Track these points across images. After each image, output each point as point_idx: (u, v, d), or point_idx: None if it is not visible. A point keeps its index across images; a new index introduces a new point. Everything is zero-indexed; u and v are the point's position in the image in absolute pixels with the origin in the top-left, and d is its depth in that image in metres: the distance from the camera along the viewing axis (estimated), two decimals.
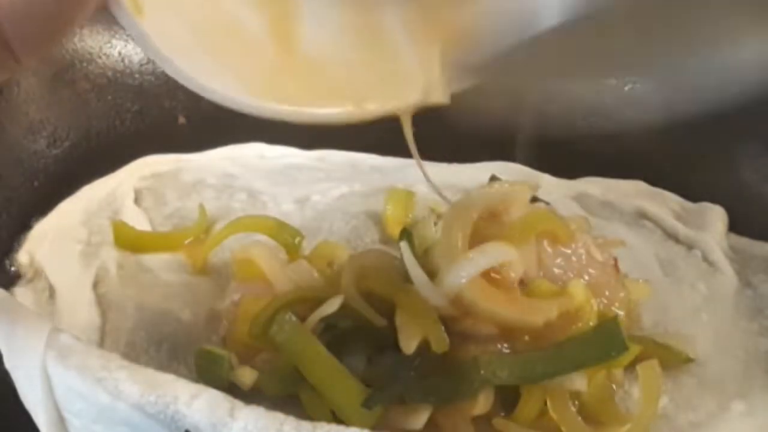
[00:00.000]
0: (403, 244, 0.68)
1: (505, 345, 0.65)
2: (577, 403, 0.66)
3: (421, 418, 0.64)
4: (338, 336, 0.66)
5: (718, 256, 0.87)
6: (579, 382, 0.64)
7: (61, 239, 0.82)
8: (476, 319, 0.66)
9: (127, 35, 1.01)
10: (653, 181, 0.98)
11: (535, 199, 0.72)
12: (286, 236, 0.78)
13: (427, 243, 0.68)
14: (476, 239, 0.68)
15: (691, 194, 0.96)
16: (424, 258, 0.68)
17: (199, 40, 0.54)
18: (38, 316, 0.63)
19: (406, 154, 0.99)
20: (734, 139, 0.99)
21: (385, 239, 0.83)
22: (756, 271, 0.87)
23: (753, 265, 0.88)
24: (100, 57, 1.01)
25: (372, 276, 0.67)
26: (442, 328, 0.64)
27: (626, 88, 1.07)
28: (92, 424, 0.60)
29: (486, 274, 0.65)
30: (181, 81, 0.53)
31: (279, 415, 0.58)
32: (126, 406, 0.57)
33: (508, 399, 0.66)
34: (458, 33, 0.62)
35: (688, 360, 0.74)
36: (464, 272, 0.64)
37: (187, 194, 0.91)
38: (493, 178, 0.84)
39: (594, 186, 0.97)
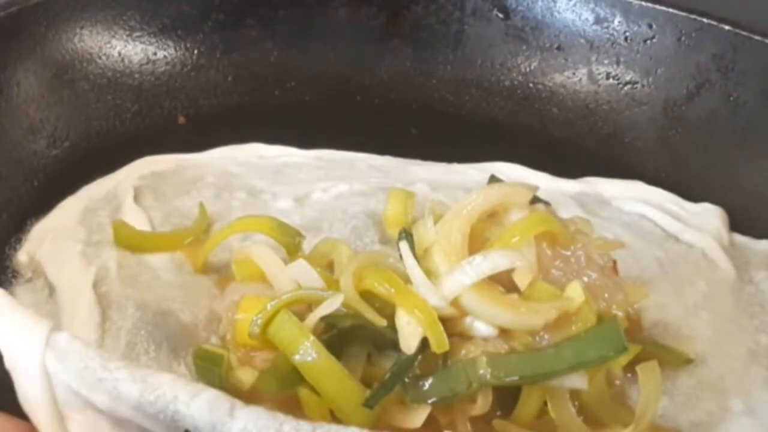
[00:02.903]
0: (403, 244, 0.68)
1: (505, 345, 0.65)
2: (576, 403, 0.66)
3: (419, 418, 0.64)
4: (338, 336, 0.66)
5: (718, 254, 0.87)
6: (579, 381, 0.65)
7: (61, 239, 0.82)
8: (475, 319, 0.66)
9: (127, 36, 1.02)
10: (653, 181, 0.98)
11: (535, 200, 0.72)
12: (286, 236, 0.78)
13: (427, 243, 0.68)
14: (476, 240, 0.68)
15: (691, 194, 0.96)
16: (423, 258, 0.68)
17: None
18: (38, 316, 0.62)
19: (405, 153, 1.00)
20: (734, 139, 0.99)
21: (385, 239, 0.83)
22: (758, 268, 0.87)
23: (755, 262, 0.88)
24: (100, 57, 1.01)
25: (372, 276, 0.67)
26: (442, 328, 0.64)
27: (626, 89, 1.07)
28: (92, 424, 0.60)
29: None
30: None
31: (279, 415, 0.58)
32: (126, 407, 0.57)
33: (507, 399, 0.66)
34: None
35: (688, 361, 0.74)
36: (466, 277, 0.65)
37: (186, 192, 0.91)
38: (493, 178, 0.84)
39: (594, 186, 0.97)
